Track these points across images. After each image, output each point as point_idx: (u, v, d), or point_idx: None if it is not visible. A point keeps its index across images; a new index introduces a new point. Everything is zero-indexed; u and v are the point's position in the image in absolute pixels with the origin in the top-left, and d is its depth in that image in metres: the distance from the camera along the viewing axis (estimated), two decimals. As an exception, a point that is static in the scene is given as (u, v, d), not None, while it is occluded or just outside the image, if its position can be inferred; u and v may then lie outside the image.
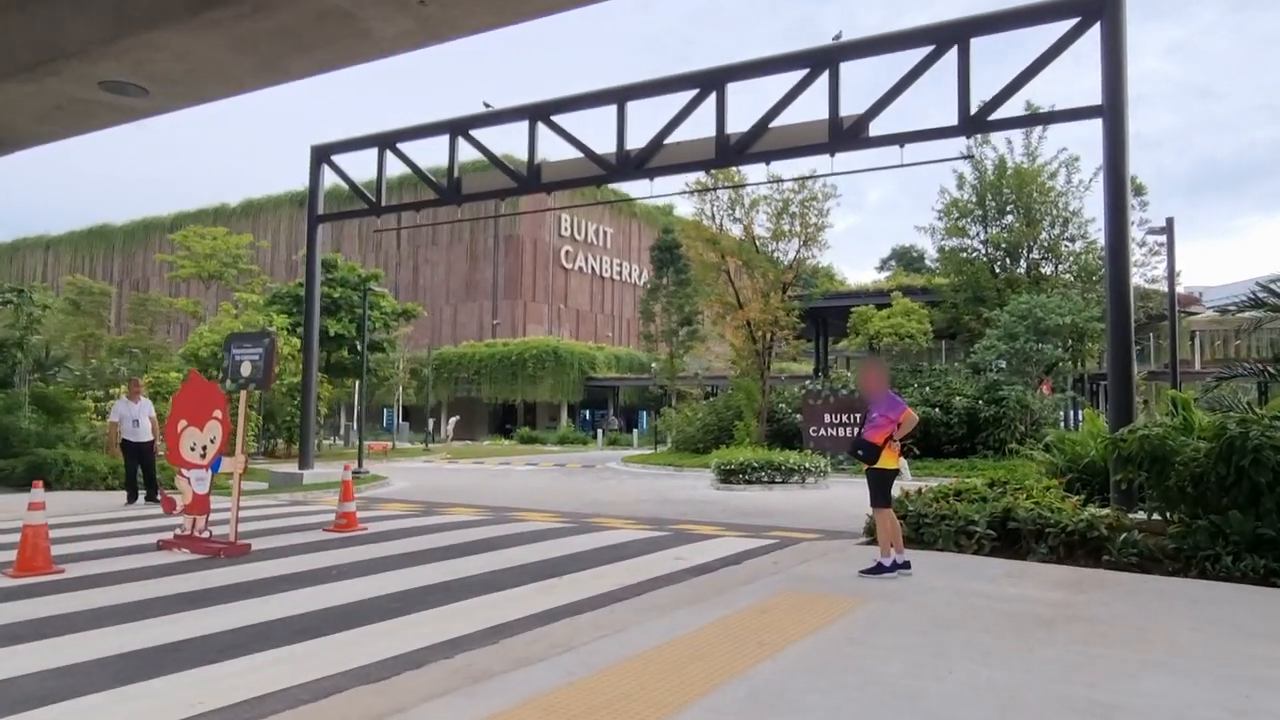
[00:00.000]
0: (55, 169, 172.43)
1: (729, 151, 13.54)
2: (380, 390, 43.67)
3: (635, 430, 47.40)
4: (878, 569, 7.38)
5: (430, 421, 53.93)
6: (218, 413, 8.43)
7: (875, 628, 5.56)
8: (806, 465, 19.41)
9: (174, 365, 33.10)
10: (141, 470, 13.79)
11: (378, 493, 17.06)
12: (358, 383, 36.77)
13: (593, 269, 69.85)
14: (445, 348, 60.53)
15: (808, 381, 28.08)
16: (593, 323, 69.89)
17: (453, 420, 53.64)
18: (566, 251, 67.25)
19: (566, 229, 67.12)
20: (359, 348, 33.56)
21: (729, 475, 18.95)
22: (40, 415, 20.06)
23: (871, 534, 9.81)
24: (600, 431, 50.94)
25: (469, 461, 31.28)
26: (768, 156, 13.40)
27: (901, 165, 12.33)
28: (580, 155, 14.83)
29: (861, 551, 8.68)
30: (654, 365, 40.42)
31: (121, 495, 14.31)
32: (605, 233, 70.82)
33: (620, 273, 71.40)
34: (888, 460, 7.48)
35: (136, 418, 14.17)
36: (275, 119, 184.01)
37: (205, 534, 8.45)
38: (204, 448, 8.51)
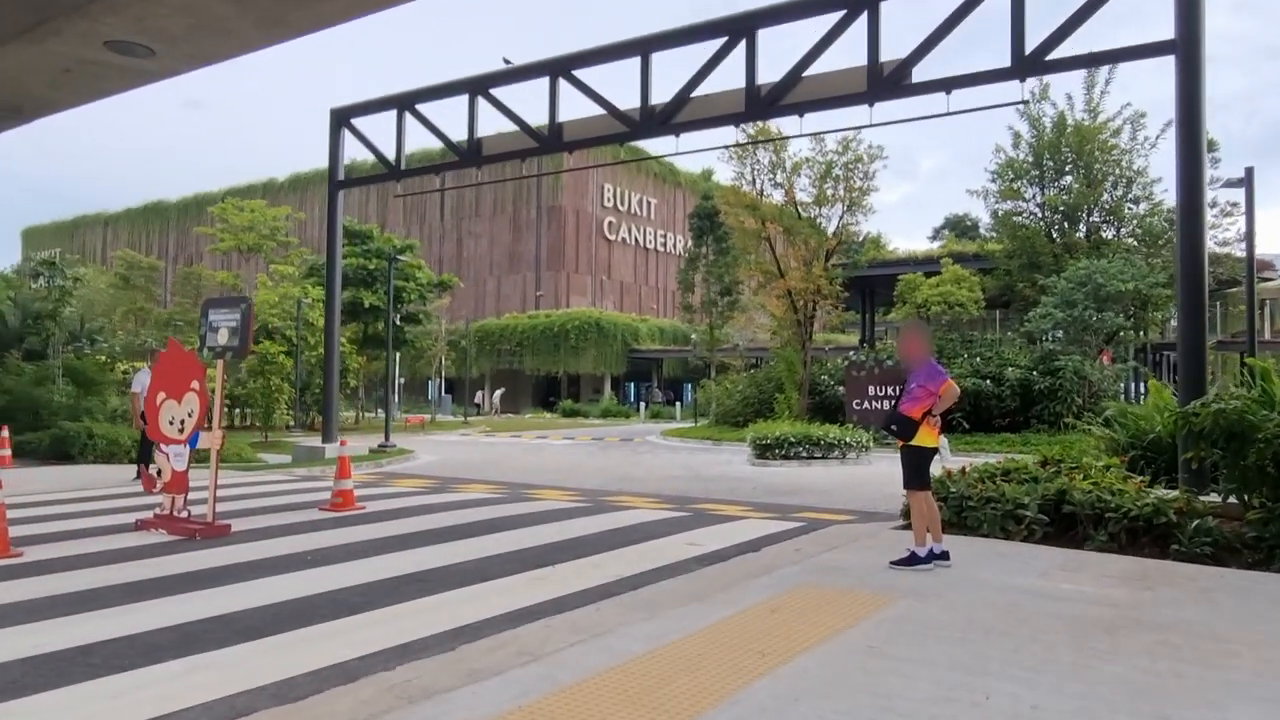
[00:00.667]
0: (115, 150, 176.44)
1: (760, 104, 12.58)
2: (420, 363, 43.45)
3: (679, 403, 46.62)
4: (911, 559, 6.54)
5: (479, 393, 53.84)
6: (195, 384, 7.86)
7: (902, 634, 4.75)
8: (847, 439, 18.49)
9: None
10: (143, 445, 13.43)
11: (399, 468, 16.60)
12: (393, 355, 36.56)
13: (636, 240, 68.88)
14: (488, 319, 60.29)
15: (852, 352, 27.01)
16: (637, 295, 69.05)
17: (498, 392, 53.45)
18: (610, 222, 66.37)
19: (610, 199, 66.19)
20: (396, 319, 33.26)
21: (765, 450, 18.11)
22: (72, 388, 19.97)
23: (909, 517, 8.95)
24: (644, 404, 50.30)
25: (506, 435, 30.89)
26: (801, 108, 12.39)
27: (948, 114, 11.27)
28: (603, 112, 13.98)
29: (896, 537, 7.83)
30: (694, 337, 39.50)
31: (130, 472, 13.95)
32: (649, 203, 69.74)
33: (665, 244, 70.33)
34: (926, 437, 6.61)
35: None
36: (323, 99, 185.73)
37: (184, 514, 7.92)
38: (182, 421, 7.96)
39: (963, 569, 6.47)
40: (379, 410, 45.58)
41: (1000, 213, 29.89)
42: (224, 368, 7.97)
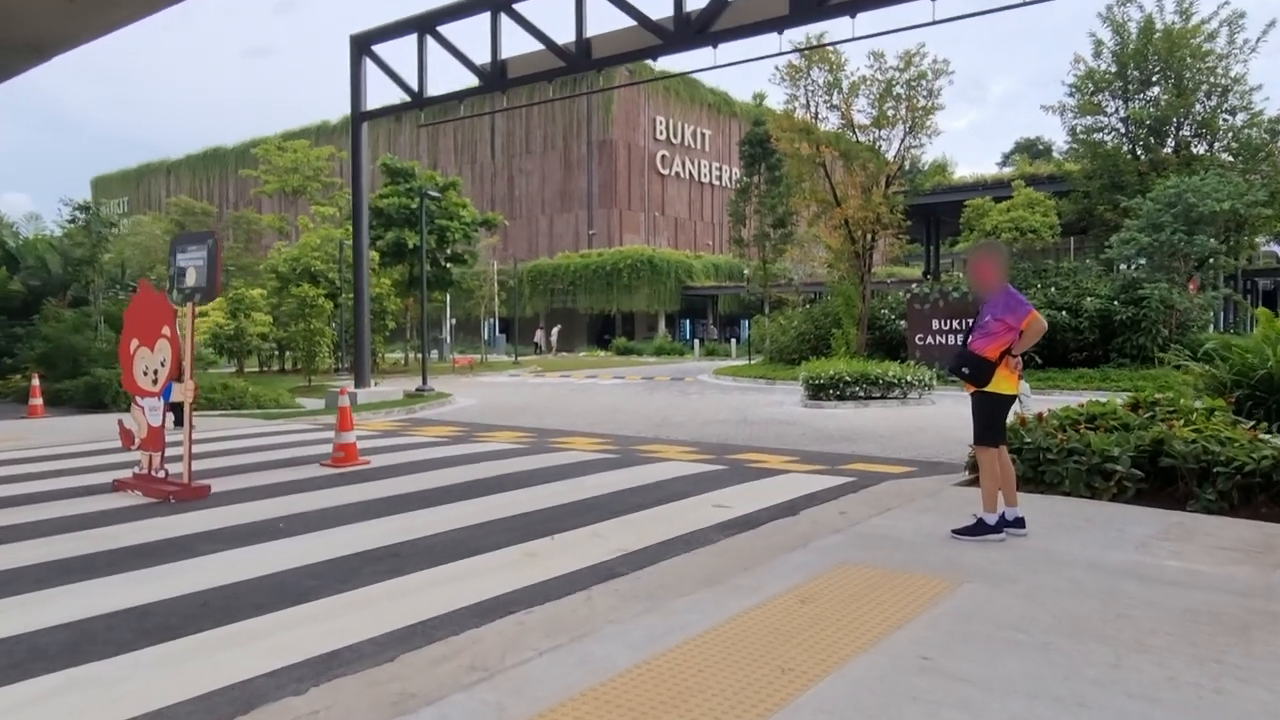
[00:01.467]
0: (181, 101, 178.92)
1: (807, 3, 11.16)
2: (470, 303, 42.88)
3: (734, 340, 45.44)
4: (978, 528, 5.46)
5: (538, 333, 53.39)
6: (166, 330, 7.08)
7: (967, 637, 3.71)
8: (908, 378, 17.20)
9: (253, 282, 32.91)
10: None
11: (432, 413, 15.91)
12: (441, 296, 35.94)
13: (690, 174, 66.97)
14: (541, 259, 59.55)
15: (914, 285, 25.43)
16: (691, 230, 67.39)
17: (555, 330, 52.91)
18: (663, 156, 64.52)
19: (662, 132, 64.25)
20: (441, 260, 32.56)
21: (818, 391, 16.95)
22: (112, 334, 19.73)
23: (976, 471, 7.83)
24: (699, 341, 49.24)
25: (556, 375, 30.19)
26: (854, 7, 10.95)
27: (1023, 4, 9.75)
28: (634, 24, 12.70)
29: (961, 497, 6.74)
30: (746, 272, 38.03)
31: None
32: (703, 135, 67.55)
33: (720, 177, 68.23)
34: (1003, 382, 5.44)
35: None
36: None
37: (161, 473, 7.21)
38: (155, 371, 7.20)
39: (1042, 539, 5.38)
40: (432, 352, 45.43)
41: (1079, 129, 27.56)
42: (194, 312, 7.17)
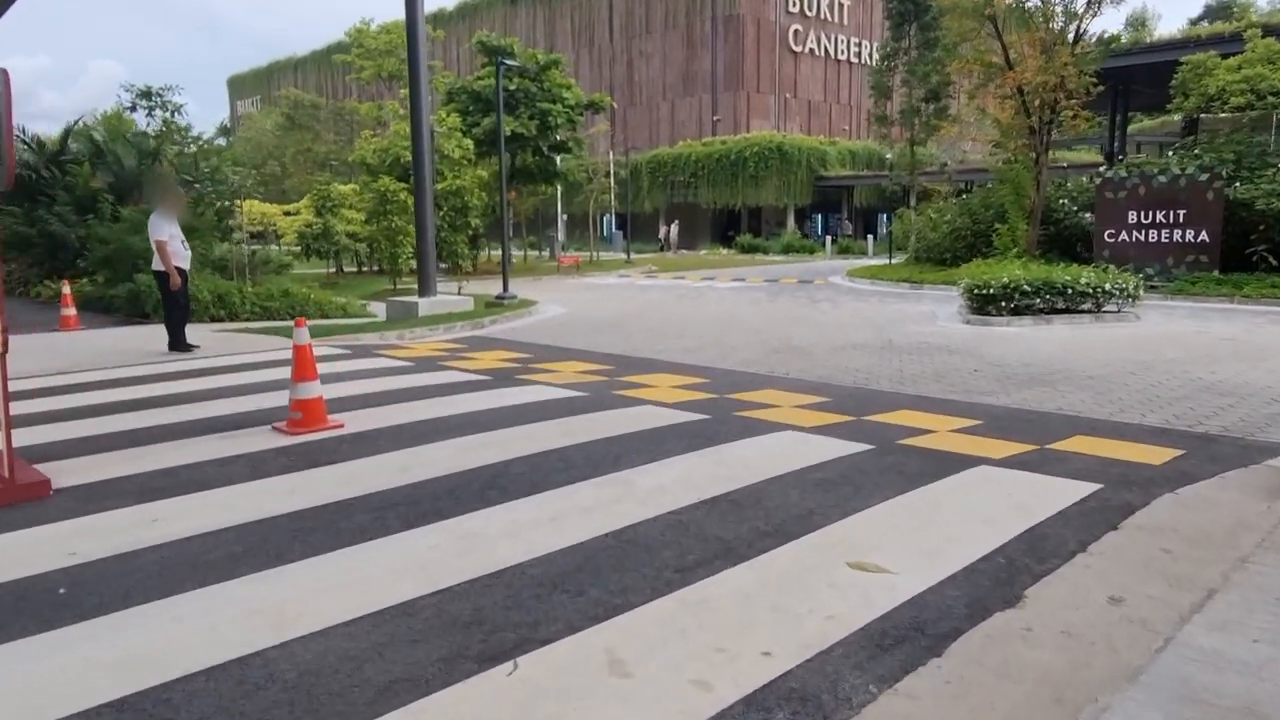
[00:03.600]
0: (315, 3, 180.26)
1: None
2: (579, 198, 40.00)
3: (870, 237, 40.91)
4: None
5: (661, 229, 50.30)
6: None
7: None
8: (1105, 286, 13.30)
9: (348, 178, 30.96)
10: (170, 307, 10.76)
11: (500, 329, 13.27)
12: (533, 189, 33.07)
13: (826, 51, 60.78)
14: (661, 148, 55.75)
15: (1101, 168, 20.72)
16: (826, 115, 61.64)
17: (674, 225, 49.69)
18: (795, 31, 58.59)
19: (795, 3, 58.14)
20: (543, 149, 29.64)
21: (985, 303, 13.31)
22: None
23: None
24: (831, 238, 44.94)
25: (669, 276, 27.24)
26: None
27: None
28: None
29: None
30: (889, 157, 33.30)
31: (197, 334, 11.40)
32: (841, 5, 60.88)
33: (859, 54, 61.70)
34: None
35: (184, 237, 11.16)
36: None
37: (-12, 457, 4.75)
38: (-34, 301, 4.68)
39: None
40: (543, 250, 42.95)
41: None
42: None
